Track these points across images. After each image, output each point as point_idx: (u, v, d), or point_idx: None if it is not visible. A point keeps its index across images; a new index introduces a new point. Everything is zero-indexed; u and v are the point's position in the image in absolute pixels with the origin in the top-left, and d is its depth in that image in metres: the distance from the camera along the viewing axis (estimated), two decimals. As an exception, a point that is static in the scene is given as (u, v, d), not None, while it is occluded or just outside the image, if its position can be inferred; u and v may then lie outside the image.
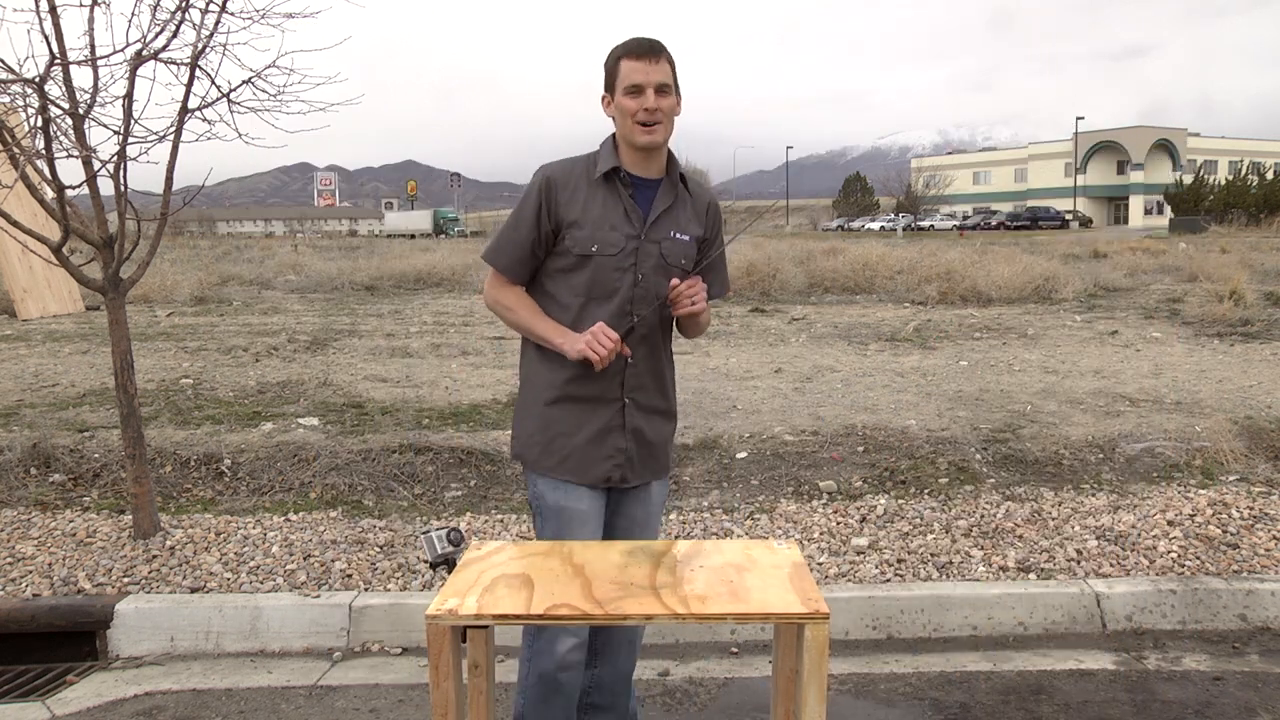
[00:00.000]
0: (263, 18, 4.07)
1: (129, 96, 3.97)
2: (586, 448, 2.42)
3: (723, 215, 2.59)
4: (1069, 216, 65.01)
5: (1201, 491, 4.61)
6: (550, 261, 2.43)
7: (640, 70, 2.29)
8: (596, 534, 2.46)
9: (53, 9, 3.79)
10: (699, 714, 3.19)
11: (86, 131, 3.94)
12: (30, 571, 4.01)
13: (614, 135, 2.43)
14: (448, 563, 2.28)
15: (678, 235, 2.44)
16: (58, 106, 3.86)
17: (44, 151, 3.87)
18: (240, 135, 4.23)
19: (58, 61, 3.81)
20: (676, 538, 4.27)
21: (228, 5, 3.99)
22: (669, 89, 2.33)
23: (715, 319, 10.92)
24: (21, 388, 7.03)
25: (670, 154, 2.45)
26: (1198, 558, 4.02)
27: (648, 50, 2.31)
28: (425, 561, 3.97)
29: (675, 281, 2.34)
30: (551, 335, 2.38)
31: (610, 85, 2.37)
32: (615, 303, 2.39)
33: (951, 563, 4.02)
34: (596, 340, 2.29)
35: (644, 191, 2.43)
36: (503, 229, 2.48)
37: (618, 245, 2.37)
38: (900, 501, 4.58)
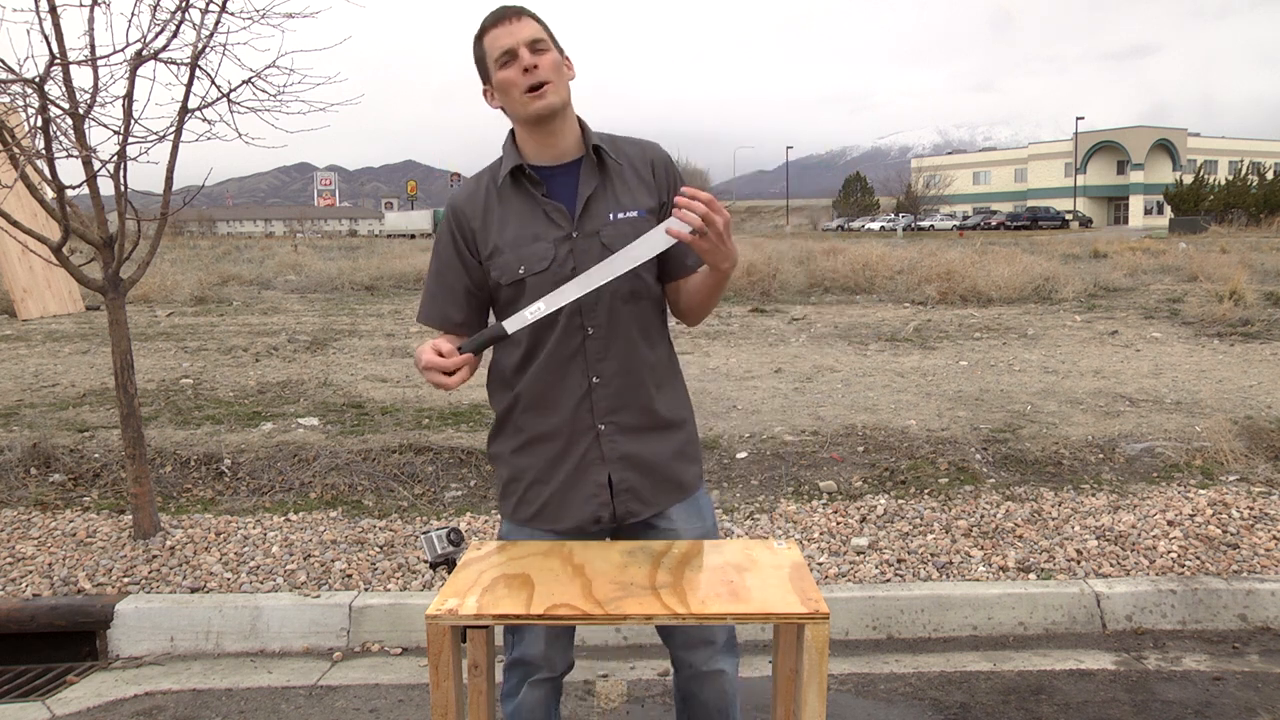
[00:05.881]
0: (263, 18, 4.08)
1: (129, 96, 3.97)
2: (563, 491, 2.10)
3: (676, 168, 2.16)
4: (1069, 216, 65.09)
5: (1201, 491, 4.61)
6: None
7: (505, 34, 1.98)
8: None
9: (53, 9, 3.80)
10: (699, 714, 3.18)
11: (86, 131, 3.94)
12: (30, 571, 4.01)
13: (512, 130, 2.09)
14: (448, 563, 2.27)
15: (620, 215, 2.04)
16: (58, 106, 3.86)
17: (44, 151, 3.87)
18: (240, 135, 4.23)
19: (58, 61, 3.81)
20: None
21: (228, 5, 4.00)
22: (545, 43, 1.99)
23: (714, 318, 10.90)
24: (21, 388, 7.04)
25: (582, 124, 2.09)
26: (1198, 558, 4.02)
27: (504, 14, 2.00)
28: (425, 561, 3.96)
29: (682, 200, 1.85)
30: None
31: (484, 71, 2.03)
32: (561, 320, 2.02)
33: (951, 563, 4.02)
34: (432, 371, 1.92)
35: (562, 180, 2.05)
36: (426, 282, 2.16)
37: (548, 256, 2.01)
38: (900, 501, 4.58)
